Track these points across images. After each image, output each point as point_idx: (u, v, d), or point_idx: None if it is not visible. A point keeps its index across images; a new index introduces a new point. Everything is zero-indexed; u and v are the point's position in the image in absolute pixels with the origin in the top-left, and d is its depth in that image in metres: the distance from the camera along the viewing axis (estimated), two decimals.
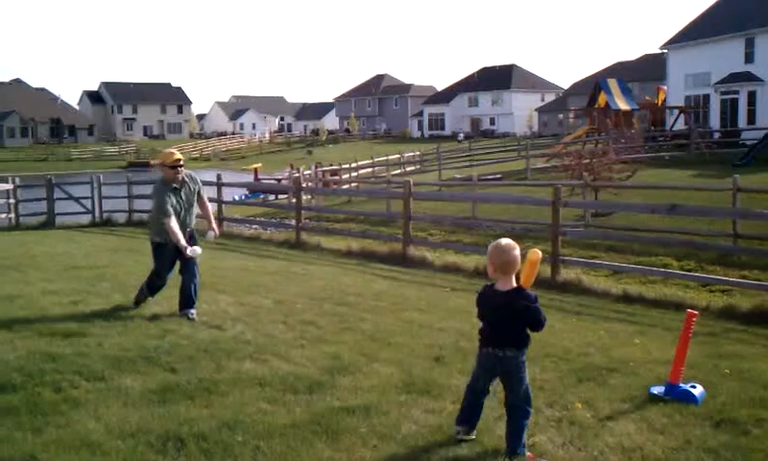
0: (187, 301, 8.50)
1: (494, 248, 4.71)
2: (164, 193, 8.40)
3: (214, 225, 9.17)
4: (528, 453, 4.66)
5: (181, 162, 8.53)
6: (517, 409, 4.71)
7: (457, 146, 61.47)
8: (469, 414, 4.91)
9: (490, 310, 4.74)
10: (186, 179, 8.65)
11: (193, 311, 8.43)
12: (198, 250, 8.44)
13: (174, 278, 8.71)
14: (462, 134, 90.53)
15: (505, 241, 4.73)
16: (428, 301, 10.23)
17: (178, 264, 8.64)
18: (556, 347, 7.48)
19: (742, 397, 5.90)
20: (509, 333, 4.68)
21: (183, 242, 8.34)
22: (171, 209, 8.34)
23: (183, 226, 8.52)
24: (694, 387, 5.83)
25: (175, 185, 8.50)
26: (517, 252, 4.68)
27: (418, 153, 49.28)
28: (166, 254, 8.60)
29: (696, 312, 6.15)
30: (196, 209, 8.87)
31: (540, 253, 4.80)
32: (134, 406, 5.44)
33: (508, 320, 4.65)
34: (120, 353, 6.75)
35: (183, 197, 8.56)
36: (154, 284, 8.84)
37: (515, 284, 4.68)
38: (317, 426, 5.07)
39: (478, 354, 4.86)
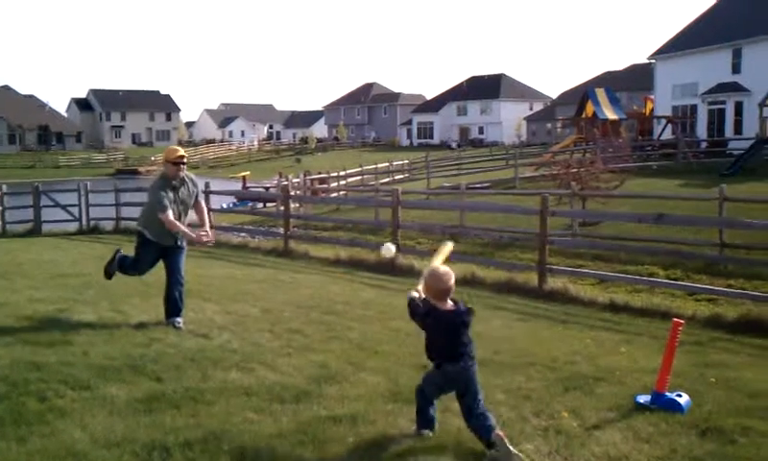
0: (173, 309, 8.43)
1: (432, 276, 5.03)
2: (162, 188, 8.32)
3: (210, 231, 8.93)
4: (498, 432, 4.78)
5: (185, 159, 8.49)
6: (477, 410, 4.92)
7: (447, 154, 61.53)
8: (430, 418, 5.16)
9: (444, 330, 5.00)
10: (187, 179, 8.59)
11: (179, 320, 8.37)
12: (211, 235, 8.55)
13: (160, 285, 8.67)
14: (455, 143, 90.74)
15: (443, 269, 5.08)
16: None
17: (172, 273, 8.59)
18: (542, 355, 7.49)
19: (728, 405, 5.91)
20: (464, 346, 4.98)
21: (190, 234, 8.36)
22: (168, 205, 8.25)
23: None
24: (680, 396, 5.85)
25: (174, 183, 8.42)
26: (453, 281, 5.03)
27: (406, 161, 49.35)
28: (149, 252, 8.54)
29: (682, 321, 6.17)
30: (191, 214, 8.78)
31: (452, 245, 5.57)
32: (120, 415, 5.41)
33: (460, 333, 4.97)
34: (106, 362, 6.71)
35: (181, 196, 8.48)
36: (126, 267, 8.76)
37: (451, 303, 5.01)
38: (303, 436, 5.05)
39: (435, 374, 5.10)
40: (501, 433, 4.74)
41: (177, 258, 8.55)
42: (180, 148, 8.73)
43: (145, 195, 9.33)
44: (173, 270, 8.50)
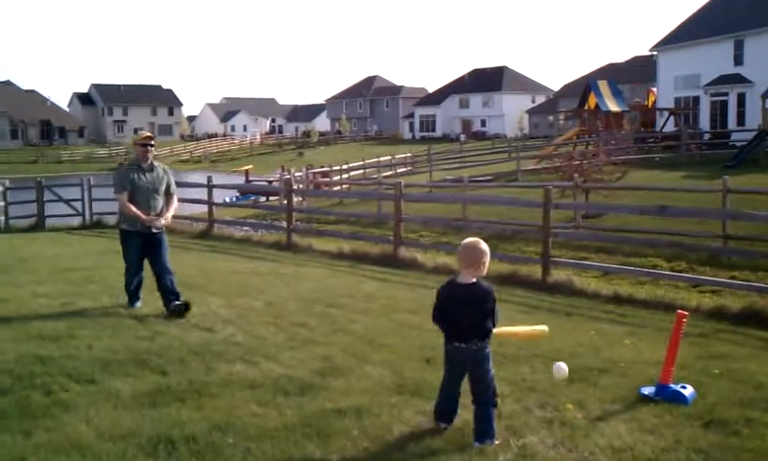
0: (169, 295, 8.58)
1: (466, 244, 4.99)
2: (126, 172, 8.71)
3: (169, 217, 9.07)
4: (497, 441, 4.82)
5: (152, 142, 8.81)
6: (482, 402, 4.92)
7: (449, 147, 61.43)
8: (442, 407, 5.10)
9: (448, 300, 4.94)
10: (158, 166, 8.90)
11: (179, 302, 8.51)
12: (160, 221, 8.69)
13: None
14: (464, 135, 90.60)
15: (475, 240, 5.01)
16: (419, 302, 10.20)
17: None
18: (547, 347, 7.48)
19: (732, 397, 5.92)
20: (470, 325, 4.87)
21: (140, 214, 8.52)
22: (126, 185, 8.55)
23: (146, 209, 8.67)
24: (684, 388, 5.85)
25: (143, 166, 8.71)
26: (485, 253, 4.94)
27: (409, 154, 49.31)
28: (133, 244, 8.72)
29: (686, 313, 6.16)
30: (162, 201, 8.91)
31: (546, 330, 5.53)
32: (125, 409, 5.43)
33: (467, 311, 4.86)
34: (110, 356, 6.73)
35: (149, 178, 8.72)
36: (128, 284, 8.87)
37: (473, 279, 4.90)
38: (308, 429, 5.06)
39: (445, 350, 5.04)
40: (476, 445, 4.78)
41: (159, 250, 8.75)
42: (148, 132, 9.12)
43: None
44: (158, 262, 8.70)
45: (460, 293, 4.89)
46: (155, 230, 8.74)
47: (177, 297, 8.58)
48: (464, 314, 4.87)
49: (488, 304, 4.87)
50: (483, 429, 4.85)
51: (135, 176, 8.65)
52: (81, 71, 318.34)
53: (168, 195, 9.02)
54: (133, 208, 8.53)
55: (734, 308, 10.20)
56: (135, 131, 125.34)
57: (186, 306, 8.46)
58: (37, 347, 6.99)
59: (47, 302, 9.16)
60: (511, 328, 5.72)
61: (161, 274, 8.63)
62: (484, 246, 4.97)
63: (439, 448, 4.77)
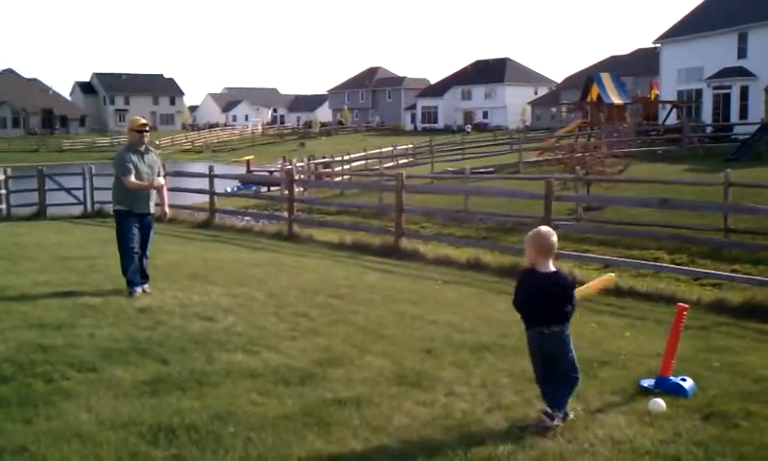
0: (142, 274, 9.12)
1: (537, 234, 5.09)
2: (127, 154, 9.07)
3: (167, 208, 9.79)
4: (560, 414, 5.01)
5: (147, 127, 9.24)
6: (566, 377, 5.10)
7: (451, 139, 61.36)
8: (548, 395, 5.14)
9: (537, 291, 5.05)
10: (151, 149, 9.36)
11: (146, 285, 9.04)
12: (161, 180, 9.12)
13: (166, 268, 8.73)
14: (469, 126, 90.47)
15: (545, 228, 5.17)
16: (420, 293, 10.24)
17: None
18: None
19: (732, 390, 5.93)
20: (555, 311, 5.03)
21: (149, 184, 9.07)
22: (131, 168, 8.92)
23: (146, 191, 9.17)
24: (684, 380, 5.86)
25: (139, 149, 9.12)
26: (555, 237, 5.10)
27: (410, 146, 49.24)
28: (129, 225, 9.03)
29: (687, 306, 6.17)
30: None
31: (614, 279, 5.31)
32: (126, 397, 5.44)
33: (553, 297, 5.02)
34: (111, 345, 6.75)
35: (147, 161, 9.15)
36: (125, 268, 9.05)
37: (553, 268, 5.08)
38: (308, 418, 5.08)
39: (528, 337, 5.17)
40: (551, 421, 4.96)
41: (148, 234, 9.25)
42: (142, 118, 9.55)
43: None
44: (143, 244, 9.15)
45: (544, 282, 5.05)
46: (151, 211, 9.27)
47: (146, 280, 9.16)
48: (544, 301, 5.06)
49: (569, 292, 5.10)
50: (558, 401, 5.04)
51: (136, 159, 9.05)
52: (83, 60, 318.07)
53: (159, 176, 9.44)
54: (142, 182, 8.99)
55: (735, 301, 10.19)
56: (130, 118, 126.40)
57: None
58: (39, 335, 7.01)
59: (49, 290, 9.17)
60: (584, 288, 5.95)
61: (141, 256, 9.14)
62: (545, 231, 5.15)
63: (438, 437, 4.78)
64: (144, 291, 8.96)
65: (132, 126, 9.25)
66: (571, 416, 5.08)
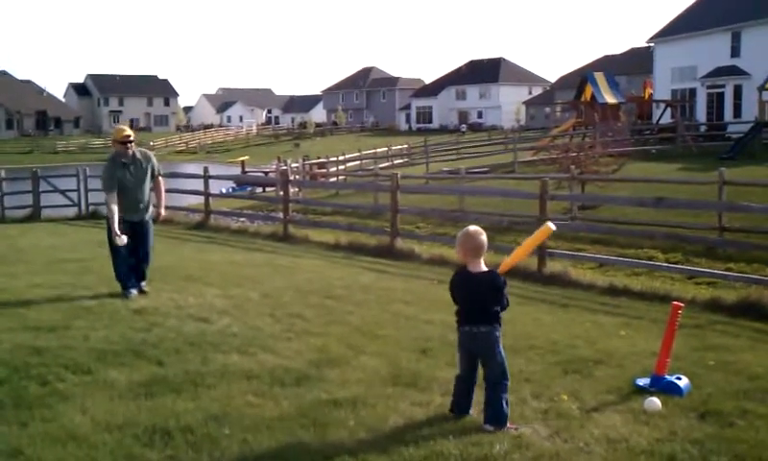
0: (141, 274, 9.09)
1: (465, 234, 5.15)
2: (112, 168, 8.89)
3: (162, 209, 9.73)
4: (509, 424, 4.95)
5: (131, 138, 9.02)
6: (496, 384, 5.02)
7: (446, 139, 61.38)
8: (460, 401, 5.19)
9: (467, 291, 5.11)
10: (138, 155, 9.09)
11: (144, 284, 9.04)
12: (124, 239, 8.72)
13: (162, 269, 8.71)
14: (465, 126, 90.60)
15: (473, 228, 5.20)
16: (415, 293, 10.24)
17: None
18: (542, 339, 7.51)
19: (727, 388, 5.94)
20: (483, 311, 5.05)
21: (116, 226, 8.69)
22: (115, 184, 8.76)
23: (134, 202, 8.98)
24: (679, 379, 5.87)
25: (124, 161, 8.91)
26: (485, 237, 5.15)
27: (405, 146, 49.24)
28: (122, 231, 8.82)
29: (682, 304, 6.19)
30: (149, 188, 9.25)
31: (553, 227, 5.53)
32: (121, 399, 5.43)
33: (482, 298, 5.05)
34: (106, 346, 6.73)
35: (133, 171, 8.95)
36: (118, 272, 9.02)
37: (485, 268, 5.12)
38: (304, 419, 5.07)
39: (458, 334, 5.20)
40: (488, 428, 4.91)
41: (144, 237, 9.14)
42: (126, 128, 9.30)
43: None
44: (141, 248, 9.06)
45: (474, 282, 5.08)
46: (146, 218, 9.14)
47: (144, 278, 9.13)
48: (474, 301, 5.08)
49: (499, 292, 5.08)
50: (496, 415, 4.96)
51: (121, 173, 8.87)
52: (77, 61, 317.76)
53: (154, 178, 9.28)
54: (115, 219, 8.72)
55: (730, 300, 10.21)
56: (131, 122, 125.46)
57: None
58: (33, 337, 6.99)
59: (43, 292, 9.15)
60: (517, 252, 5.79)
61: (141, 258, 9.06)
62: (473, 231, 5.18)
63: (434, 438, 4.78)
64: (142, 291, 8.92)
65: (116, 137, 9.04)
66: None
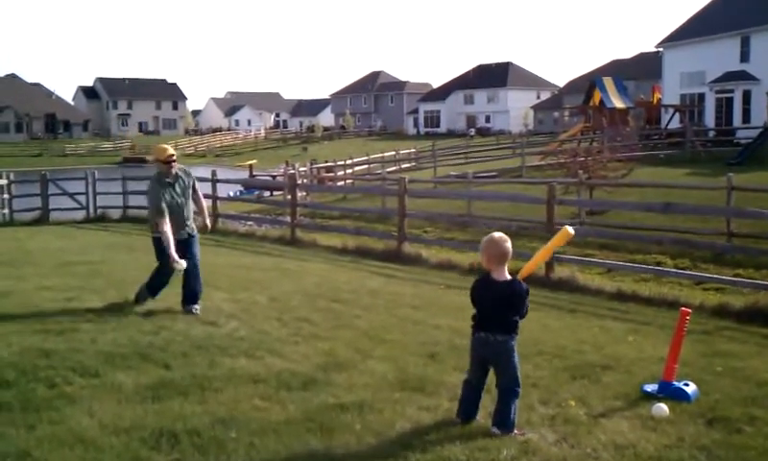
0: (192, 296, 8.59)
1: (490, 241, 5.07)
2: (159, 190, 8.56)
3: (208, 220, 9.47)
4: (516, 430, 4.94)
5: (174, 157, 8.74)
6: (508, 391, 5.01)
7: (454, 143, 61.37)
8: (463, 403, 5.19)
9: (488, 298, 5.04)
10: (180, 173, 8.81)
11: (197, 307, 8.51)
12: (183, 264, 8.39)
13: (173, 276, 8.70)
14: (473, 130, 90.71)
15: (498, 234, 5.10)
16: (423, 298, 10.23)
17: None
18: (550, 344, 7.50)
19: (735, 395, 5.92)
20: (501, 319, 5.02)
21: (173, 251, 8.34)
22: (165, 208, 8.45)
23: (182, 219, 8.65)
24: (687, 385, 5.85)
25: (168, 180, 8.65)
26: (509, 244, 5.06)
27: (413, 150, 49.25)
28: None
29: (689, 310, 6.17)
30: (191, 206, 8.97)
31: (572, 230, 5.64)
32: (128, 402, 5.44)
33: (503, 307, 5.01)
34: (114, 349, 6.74)
35: (179, 190, 8.71)
36: (156, 284, 8.83)
37: (508, 276, 5.06)
38: (311, 423, 5.07)
39: (471, 341, 5.15)
40: (495, 431, 4.91)
41: (192, 248, 8.77)
42: (168, 147, 8.97)
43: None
44: (190, 260, 8.60)
45: (497, 291, 5.03)
46: (192, 234, 8.86)
47: (196, 300, 8.60)
48: (494, 308, 5.05)
49: (521, 301, 5.06)
50: (505, 421, 4.95)
51: (168, 194, 8.57)
52: (86, 65, 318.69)
53: (194, 192, 9.03)
54: (171, 241, 8.37)
55: (738, 306, 10.18)
56: (140, 125, 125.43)
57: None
58: (42, 340, 7.01)
59: (51, 295, 9.17)
60: (537, 257, 5.88)
61: (190, 273, 8.59)
62: (498, 238, 5.11)
63: (441, 443, 4.77)
64: (194, 313, 8.43)
65: (160, 157, 8.70)
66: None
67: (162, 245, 8.56)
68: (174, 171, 8.68)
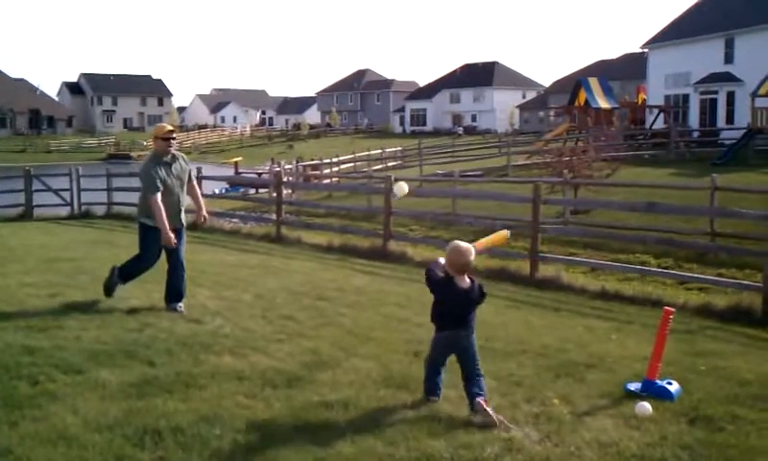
0: (176, 294, 8.42)
1: (456, 252, 5.39)
2: (153, 167, 8.18)
3: (205, 212, 9.09)
4: (480, 400, 5.22)
5: (174, 134, 8.42)
6: (476, 375, 5.42)
7: (440, 142, 61.39)
8: (435, 384, 5.57)
9: (454, 302, 5.43)
10: (179, 157, 8.51)
11: (181, 305, 8.38)
12: (174, 241, 8.18)
13: (153, 270, 8.65)
14: (461, 128, 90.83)
15: (464, 245, 5.43)
16: (408, 296, 10.24)
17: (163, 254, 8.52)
18: (534, 343, 7.52)
19: (718, 394, 5.96)
20: (468, 319, 5.47)
21: (168, 230, 8.10)
22: (160, 185, 8.12)
23: (175, 205, 8.36)
24: (670, 384, 5.88)
25: (166, 160, 8.30)
26: (473, 256, 5.42)
27: (399, 148, 49.26)
28: (155, 240, 8.28)
29: (673, 309, 6.21)
30: (185, 196, 8.67)
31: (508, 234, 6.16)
32: (112, 400, 5.42)
33: (469, 309, 5.46)
34: (98, 347, 6.71)
35: (174, 172, 8.36)
36: (130, 270, 8.61)
37: (468, 280, 5.45)
38: (295, 421, 5.07)
39: (439, 337, 5.53)
40: (482, 401, 5.17)
41: (179, 245, 8.47)
42: (168, 124, 8.63)
43: (137, 181, 9.20)
44: (175, 256, 8.44)
45: (463, 296, 5.45)
46: (182, 225, 8.53)
47: (180, 298, 8.42)
48: (462, 310, 5.49)
49: (479, 304, 5.59)
50: (477, 391, 5.30)
51: (164, 173, 8.20)
52: (70, 60, 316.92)
53: (189, 181, 8.73)
54: (164, 219, 8.07)
55: (721, 305, 10.25)
56: (125, 121, 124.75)
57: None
58: (25, 337, 6.96)
59: (35, 291, 9.11)
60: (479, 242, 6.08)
61: (174, 268, 8.41)
62: (464, 249, 5.42)
63: (425, 441, 4.78)
64: (177, 310, 8.23)
65: (158, 133, 8.33)
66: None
67: (148, 231, 8.30)
68: (172, 151, 8.32)
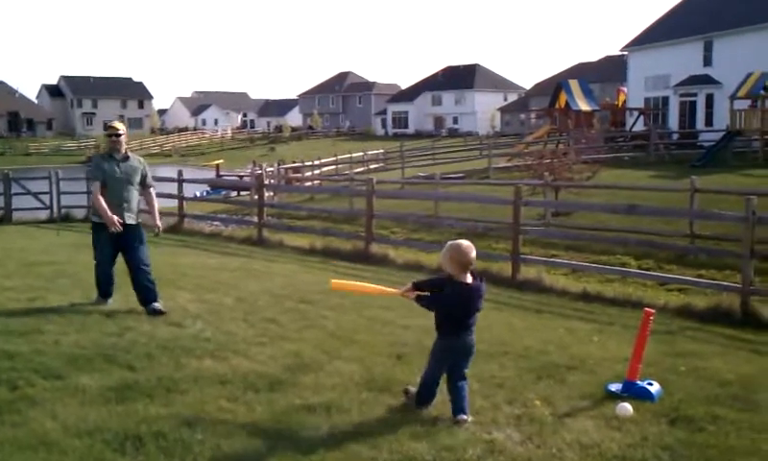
0: (147, 293, 8.39)
1: (457, 250, 5.22)
2: (99, 160, 8.63)
3: (158, 220, 9.03)
4: (463, 417, 5.17)
5: (119, 131, 8.60)
6: (464, 384, 5.33)
7: (421, 144, 61.48)
8: (433, 394, 5.43)
9: (467, 298, 5.26)
10: (131, 157, 8.73)
11: (158, 304, 8.33)
12: (119, 226, 8.18)
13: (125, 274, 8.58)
14: (445, 130, 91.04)
15: (466, 243, 5.26)
16: (392, 298, 10.20)
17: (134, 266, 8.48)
18: (515, 345, 7.54)
19: (698, 394, 6.00)
20: (475, 317, 5.35)
21: (109, 214, 8.20)
22: (100, 174, 8.40)
23: (120, 199, 8.41)
24: (651, 384, 5.92)
25: (116, 156, 8.56)
26: (474, 253, 5.26)
27: (381, 151, 49.29)
28: (104, 237, 8.36)
29: (653, 311, 6.25)
30: (139, 194, 8.73)
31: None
32: (92, 405, 5.38)
33: (479, 304, 5.31)
34: (78, 351, 6.66)
35: (122, 169, 8.53)
36: (99, 281, 8.64)
37: (471, 278, 5.27)
38: (278, 425, 5.06)
39: (445, 343, 5.34)
40: (465, 418, 5.14)
41: (135, 243, 8.49)
42: (118, 123, 8.84)
43: None
44: (133, 256, 8.46)
45: (474, 294, 5.29)
46: (129, 223, 8.42)
47: (155, 298, 8.40)
48: (470, 311, 5.34)
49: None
50: (464, 405, 5.22)
51: (107, 166, 8.45)
52: (50, 63, 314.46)
53: (145, 187, 8.80)
54: (103, 203, 8.25)
55: (701, 306, 10.33)
56: (105, 124, 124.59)
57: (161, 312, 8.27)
58: (4, 341, 6.89)
59: (14, 295, 9.03)
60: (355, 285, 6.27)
61: (136, 271, 8.40)
62: (466, 246, 5.29)
63: (408, 443, 4.78)
64: (156, 311, 8.23)
65: (106, 131, 8.85)
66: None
67: (96, 228, 8.50)
68: (119, 147, 8.57)
